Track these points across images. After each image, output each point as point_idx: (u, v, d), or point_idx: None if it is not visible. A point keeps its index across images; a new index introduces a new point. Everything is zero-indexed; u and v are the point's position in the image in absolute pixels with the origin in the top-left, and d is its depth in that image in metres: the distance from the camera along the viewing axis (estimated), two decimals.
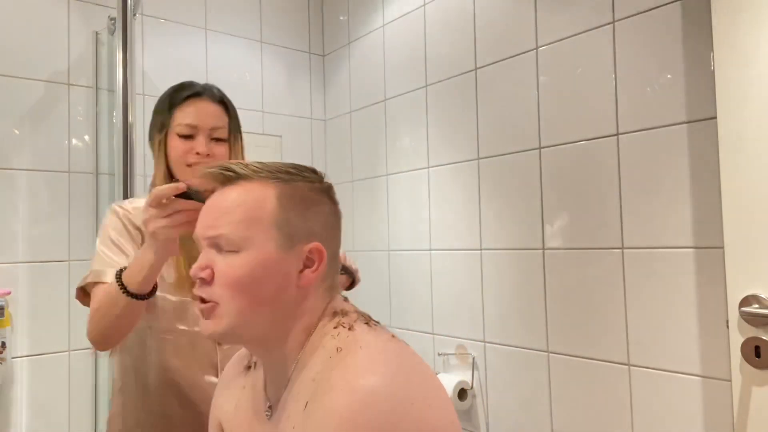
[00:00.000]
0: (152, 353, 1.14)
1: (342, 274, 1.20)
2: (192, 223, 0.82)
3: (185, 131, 1.16)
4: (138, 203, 1.16)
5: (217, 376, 1.13)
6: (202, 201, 0.84)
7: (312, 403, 0.68)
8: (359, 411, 0.63)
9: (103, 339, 1.05)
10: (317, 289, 0.77)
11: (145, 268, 0.96)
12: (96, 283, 1.07)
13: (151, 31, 2.06)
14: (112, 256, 1.10)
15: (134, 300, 0.98)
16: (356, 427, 0.62)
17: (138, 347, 1.15)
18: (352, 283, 1.27)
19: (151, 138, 1.22)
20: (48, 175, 1.84)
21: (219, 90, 1.24)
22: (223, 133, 1.19)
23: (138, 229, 1.13)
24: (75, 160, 1.89)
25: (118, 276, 0.99)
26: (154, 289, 1.02)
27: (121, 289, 0.98)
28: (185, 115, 1.17)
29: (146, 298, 1.00)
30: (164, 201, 0.92)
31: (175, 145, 1.16)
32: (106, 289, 1.02)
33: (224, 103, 1.22)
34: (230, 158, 1.20)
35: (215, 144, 1.18)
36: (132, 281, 0.97)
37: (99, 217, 1.91)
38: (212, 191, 0.81)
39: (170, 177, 1.17)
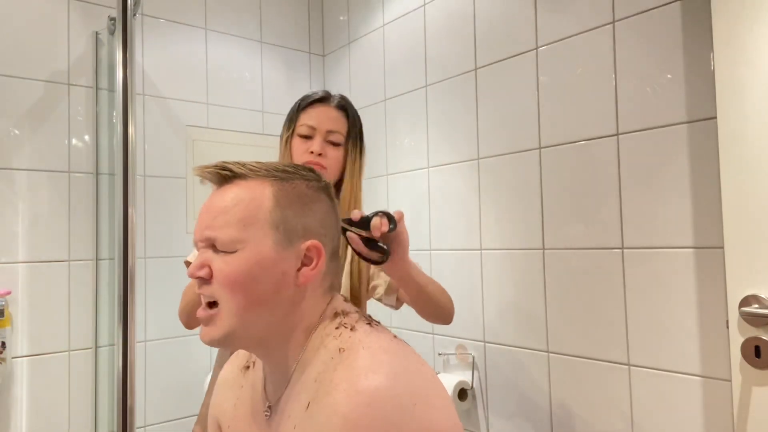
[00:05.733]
0: None
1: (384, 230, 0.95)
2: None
3: (305, 131, 1.29)
4: None
5: None
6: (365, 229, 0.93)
7: (314, 404, 0.68)
8: (362, 412, 0.63)
9: (183, 317, 1.23)
10: (317, 288, 0.76)
11: None
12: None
13: (151, 31, 2.06)
14: None
15: None
16: (359, 427, 0.62)
17: None
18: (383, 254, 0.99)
19: (282, 135, 1.35)
20: (48, 175, 1.84)
21: (345, 98, 1.35)
22: (339, 138, 1.30)
23: None
24: (75, 160, 1.89)
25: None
26: None
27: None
28: (308, 117, 1.30)
29: None
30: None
31: (296, 144, 1.30)
32: None
33: (345, 110, 1.33)
34: (345, 164, 1.31)
35: (330, 147, 1.29)
36: None
37: (99, 216, 1.91)
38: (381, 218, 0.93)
39: None
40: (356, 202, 1.33)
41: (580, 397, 1.54)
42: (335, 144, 1.30)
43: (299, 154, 1.28)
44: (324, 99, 1.32)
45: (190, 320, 1.23)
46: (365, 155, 1.38)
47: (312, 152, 1.26)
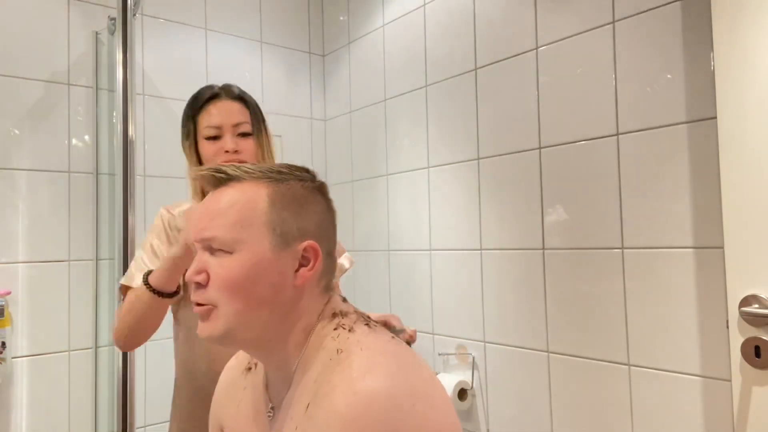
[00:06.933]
0: (197, 351, 1.21)
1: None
2: None
3: (211, 133, 1.22)
4: (183, 207, 1.26)
5: None
6: None
7: (313, 405, 0.68)
8: (361, 413, 0.63)
9: (126, 337, 1.14)
10: (313, 288, 0.76)
11: (169, 264, 1.06)
12: (128, 288, 1.16)
13: (151, 31, 2.06)
14: (146, 261, 1.19)
15: (158, 298, 1.07)
16: (358, 428, 0.62)
17: (185, 345, 1.25)
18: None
19: (183, 147, 1.29)
20: (48, 175, 1.84)
21: (237, 87, 1.29)
22: (247, 128, 1.25)
23: (178, 230, 1.22)
24: (75, 160, 1.89)
25: (146, 275, 1.09)
26: (179, 289, 1.11)
27: (146, 286, 1.07)
28: (209, 118, 1.23)
29: (170, 297, 1.09)
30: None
31: (205, 148, 1.23)
32: (135, 291, 1.12)
33: (243, 99, 1.27)
34: (258, 151, 1.27)
35: (241, 139, 1.24)
36: (157, 278, 1.07)
37: (99, 216, 1.91)
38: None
39: None
40: None
41: (580, 397, 1.54)
42: (245, 135, 1.24)
43: (211, 156, 1.22)
44: (218, 95, 1.25)
45: (128, 341, 1.16)
46: (271, 135, 1.32)
47: (227, 151, 1.21)
